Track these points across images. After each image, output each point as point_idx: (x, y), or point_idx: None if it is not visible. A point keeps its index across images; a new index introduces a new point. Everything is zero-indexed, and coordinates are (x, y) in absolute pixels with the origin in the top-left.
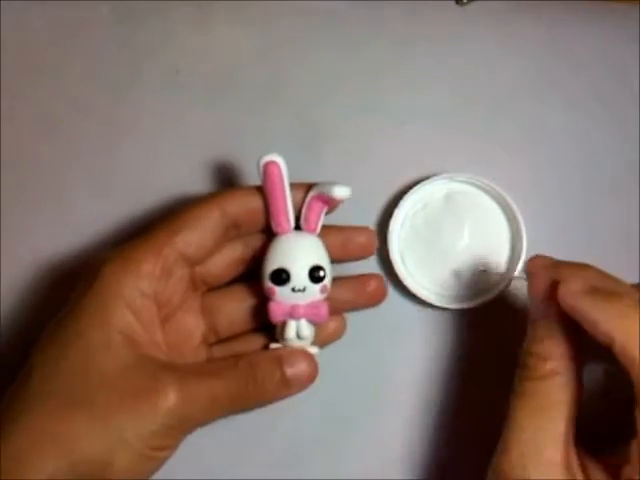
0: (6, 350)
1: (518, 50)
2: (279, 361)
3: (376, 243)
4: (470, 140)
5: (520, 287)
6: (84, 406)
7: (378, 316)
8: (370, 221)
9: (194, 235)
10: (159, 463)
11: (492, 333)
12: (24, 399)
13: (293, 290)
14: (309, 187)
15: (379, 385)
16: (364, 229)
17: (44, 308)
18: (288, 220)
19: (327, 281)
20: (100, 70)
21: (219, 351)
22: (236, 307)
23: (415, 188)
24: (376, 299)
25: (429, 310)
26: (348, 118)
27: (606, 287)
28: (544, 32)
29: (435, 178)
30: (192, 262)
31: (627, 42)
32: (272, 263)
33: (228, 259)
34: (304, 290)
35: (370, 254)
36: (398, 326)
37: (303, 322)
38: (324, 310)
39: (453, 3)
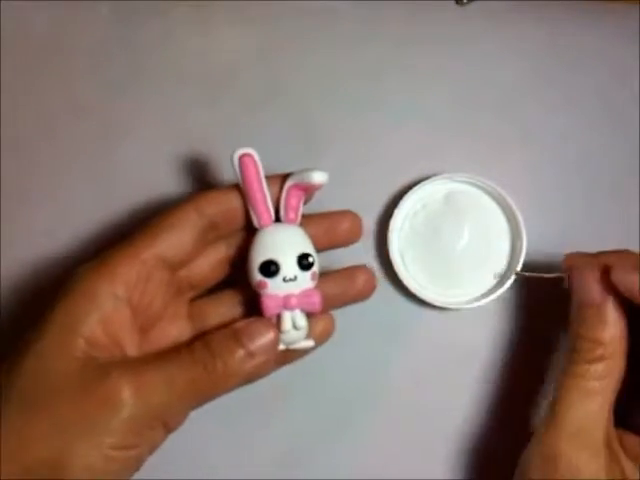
0: (7, 350)
1: (518, 50)
2: (237, 334)
3: (362, 227)
4: (470, 140)
5: (522, 285)
6: (36, 408)
7: (378, 316)
8: (370, 221)
9: (172, 238)
10: (130, 463)
11: (492, 333)
12: None
13: (284, 280)
14: (283, 178)
15: (379, 385)
16: (347, 213)
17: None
18: (269, 212)
19: (316, 267)
20: (100, 70)
21: None
22: (225, 310)
23: (415, 188)
24: (366, 293)
25: (429, 310)
26: (348, 118)
27: None
28: (544, 32)
29: (435, 178)
30: (172, 266)
31: (627, 42)
32: (259, 256)
33: (212, 261)
34: (295, 279)
35: (356, 239)
36: (398, 326)
37: (297, 312)
38: (317, 298)
39: (453, 3)
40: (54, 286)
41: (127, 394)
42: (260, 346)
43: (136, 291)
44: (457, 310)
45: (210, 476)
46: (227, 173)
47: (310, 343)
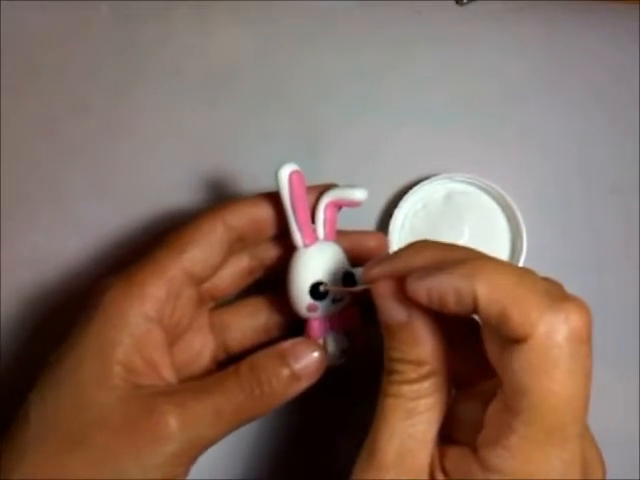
0: (6, 350)
1: (518, 50)
2: (283, 356)
3: (387, 247)
4: (470, 140)
5: None
6: (81, 446)
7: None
8: (370, 221)
9: (200, 253)
10: None
11: None
12: (22, 443)
13: (334, 301)
14: (320, 192)
15: (378, 384)
16: (374, 234)
17: (44, 308)
18: (313, 231)
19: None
20: (100, 70)
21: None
22: (246, 322)
23: (415, 188)
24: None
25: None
26: (348, 118)
27: (453, 256)
28: (544, 32)
29: (435, 178)
30: (199, 281)
31: (627, 42)
32: (308, 278)
33: (234, 272)
34: (342, 299)
35: None
36: None
37: (339, 336)
38: (356, 313)
39: (453, 3)
40: (67, 282)
41: (175, 428)
42: (306, 367)
43: (166, 310)
44: None
45: (207, 475)
46: (227, 173)
47: (341, 361)
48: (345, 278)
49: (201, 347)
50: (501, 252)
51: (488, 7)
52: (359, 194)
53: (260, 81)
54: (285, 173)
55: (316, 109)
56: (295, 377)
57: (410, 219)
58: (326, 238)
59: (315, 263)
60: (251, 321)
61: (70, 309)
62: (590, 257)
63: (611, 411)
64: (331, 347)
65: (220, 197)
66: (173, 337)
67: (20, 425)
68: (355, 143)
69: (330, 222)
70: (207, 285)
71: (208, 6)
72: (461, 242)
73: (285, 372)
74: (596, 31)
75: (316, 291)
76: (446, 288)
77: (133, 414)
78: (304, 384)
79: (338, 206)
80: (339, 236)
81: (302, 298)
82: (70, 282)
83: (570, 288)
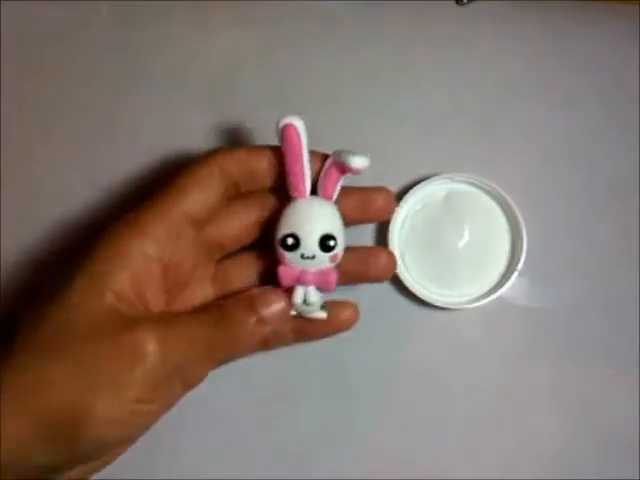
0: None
1: (518, 50)
2: (251, 301)
3: (394, 205)
4: (470, 140)
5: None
6: (63, 353)
7: (378, 315)
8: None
9: (198, 195)
10: (148, 418)
11: (492, 333)
12: (10, 348)
13: (302, 257)
14: (326, 156)
15: (379, 384)
16: (382, 190)
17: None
18: (304, 185)
19: (338, 250)
20: (100, 71)
21: None
22: (245, 273)
23: (415, 188)
24: (385, 274)
25: (429, 310)
26: (348, 119)
27: None
28: (544, 32)
29: (435, 178)
30: (198, 223)
31: (627, 42)
32: (284, 228)
33: (243, 222)
34: (313, 258)
35: (388, 216)
36: (398, 326)
37: (311, 289)
38: (332, 278)
39: (453, 3)
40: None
41: (151, 347)
42: (271, 314)
43: (167, 249)
44: (457, 310)
45: (210, 475)
46: None
47: (323, 315)
48: (322, 240)
49: (203, 298)
50: (501, 252)
51: (488, 7)
52: (355, 161)
53: (260, 82)
54: (280, 125)
55: (316, 109)
56: (261, 321)
57: (410, 219)
58: (322, 195)
59: (294, 215)
60: (251, 271)
61: None
62: (590, 257)
63: (611, 411)
64: (298, 298)
65: None
66: (175, 280)
67: (11, 340)
68: (355, 143)
69: (328, 181)
70: (215, 233)
71: (208, 7)
72: (461, 242)
73: (252, 316)
74: (596, 31)
75: (286, 242)
76: None
77: (114, 332)
78: (269, 328)
79: (341, 170)
80: (347, 193)
81: (276, 245)
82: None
83: (570, 288)
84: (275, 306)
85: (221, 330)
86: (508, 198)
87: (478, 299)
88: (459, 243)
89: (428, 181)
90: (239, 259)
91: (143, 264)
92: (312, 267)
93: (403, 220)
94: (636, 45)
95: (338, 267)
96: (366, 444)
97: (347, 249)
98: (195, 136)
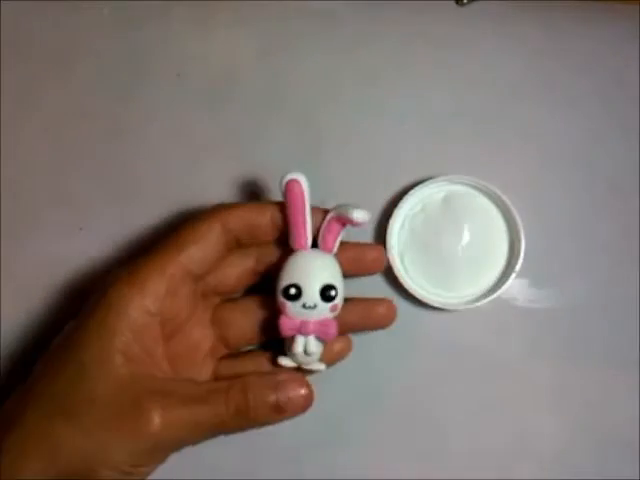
0: (10, 350)
1: (518, 50)
2: (276, 388)
3: (385, 259)
4: (469, 141)
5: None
6: (73, 416)
7: None
8: (370, 223)
9: (198, 251)
10: (141, 477)
11: (492, 333)
12: (20, 405)
13: (304, 307)
14: (326, 212)
15: (379, 385)
16: (374, 247)
17: (45, 309)
18: (306, 237)
19: (338, 300)
20: (100, 72)
21: (226, 368)
22: (247, 319)
23: (414, 190)
24: (385, 323)
25: (429, 311)
26: (348, 119)
27: None
28: (544, 32)
29: (434, 180)
30: (196, 278)
31: (627, 42)
32: (286, 278)
33: (240, 270)
34: (314, 307)
35: (380, 269)
36: (398, 327)
37: (311, 339)
38: (333, 328)
39: (453, 3)
40: (70, 286)
41: (156, 426)
42: (292, 402)
43: (164, 305)
44: (457, 310)
45: (209, 476)
46: (229, 175)
47: (321, 367)
48: (323, 290)
49: (200, 340)
50: (499, 254)
51: (488, 7)
52: (357, 214)
53: (261, 83)
54: (284, 181)
55: (316, 110)
56: (280, 409)
57: (409, 221)
58: (322, 248)
59: (296, 266)
60: (252, 317)
61: (73, 311)
62: (590, 257)
63: (611, 411)
64: (299, 347)
65: (221, 199)
66: (171, 329)
67: (25, 387)
68: (355, 144)
69: (328, 234)
70: (212, 280)
71: (209, 8)
72: (460, 243)
73: (272, 402)
74: (596, 31)
75: (288, 292)
76: None
77: (124, 401)
78: (287, 416)
79: (341, 222)
80: (344, 247)
81: (277, 295)
82: (74, 286)
83: (570, 288)
84: (298, 393)
85: (235, 414)
86: (506, 199)
87: (477, 300)
88: (458, 244)
89: (427, 183)
90: (239, 303)
91: (144, 320)
92: (313, 317)
93: (402, 221)
94: (636, 45)
95: (338, 318)
96: (365, 444)
97: (348, 300)
98: (196, 138)
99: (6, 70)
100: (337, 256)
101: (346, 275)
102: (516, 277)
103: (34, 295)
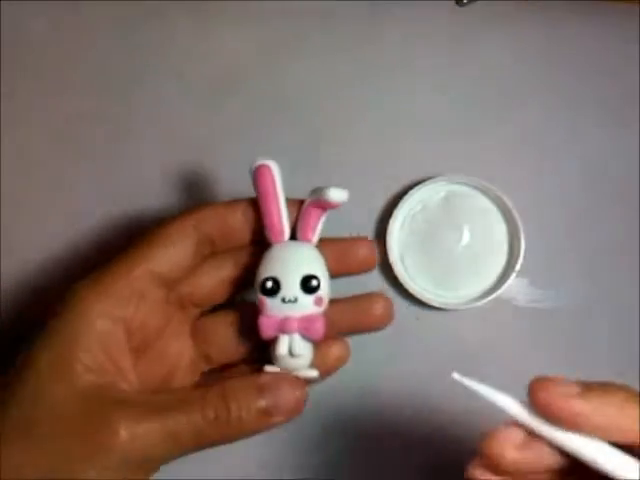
0: (7, 350)
1: (518, 50)
2: (261, 389)
3: (377, 256)
4: (469, 141)
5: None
6: (29, 436)
7: None
8: (369, 223)
9: (167, 254)
10: None
11: (492, 333)
12: None
13: (283, 301)
14: (302, 202)
15: (378, 385)
16: (363, 240)
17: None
18: (282, 228)
19: (323, 293)
20: (100, 73)
21: (210, 382)
22: (229, 330)
23: (414, 190)
24: (382, 322)
25: (429, 311)
26: (348, 119)
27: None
28: (544, 32)
29: (434, 180)
30: (168, 282)
31: (627, 42)
32: (262, 272)
33: (216, 278)
34: (295, 301)
35: (371, 267)
36: (398, 327)
37: (296, 337)
38: (319, 324)
39: (453, 3)
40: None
41: (123, 440)
42: (283, 405)
43: (129, 309)
44: (457, 310)
45: (208, 476)
46: (229, 175)
47: (313, 373)
48: (304, 281)
49: (177, 354)
50: (499, 254)
51: (488, 7)
52: (334, 195)
53: (261, 82)
54: (253, 167)
55: (315, 110)
56: (268, 412)
57: (409, 221)
58: (301, 238)
59: (272, 259)
60: (232, 330)
61: None
62: (590, 257)
63: None
64: (282, 348)
65: (221, 198)
66: (141, 340)
67: None
68: (355, 144)
69: (306, 223)
70: (187, 290)
71: (208, 9)
72: (460, 243)
73: (258, 405)
74: (596, 31)
75: (265, 287)
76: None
77: (87, 415)
78: (277, 421)
79: (321, 207)
80: (326, 243)
81: (256, 295)
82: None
83: (570, 288)
84: (290, 395)
85: (215, 421)
86: (506, 199)
87: (477, 300)
88: (458, 244)
89: (427, 183)
90: (219, 314)
91: (107, 326)
92: (296, 313)
93: (402, 221)
94: (636, 45)
95: (326, 314)
96: (366, 441)
97: (339, 299)
98: (196, 137)
99: (6, 70)
100: (320, 247)
101: (333, 275)
102: (516, 277)
103: (32, 292)
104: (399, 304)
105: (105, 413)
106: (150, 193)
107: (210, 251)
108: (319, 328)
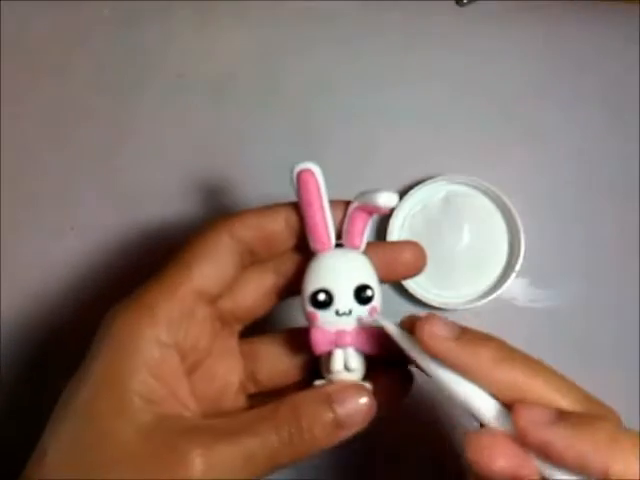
0: (7, 352)
1: (518, 50)
2: (328, 400)
3: (425, 259)
4: (469, 141)
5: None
6: None
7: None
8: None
9: (210, 267)
10: None
11: (492, 333)
12: (41, 476)
13: (337, 313)
14: (348, 203)
15: None
16: (411, 244)
17: (45, 311)
18: (328, 236)
19: (376, 302)
20: (101, 72)
21: (262, 402)
22: (279, 354)
23: (414, 190)
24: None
25: (428, 311)
26: (348, 119)
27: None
28: (544, 32)
29: (434, 180)
30: (212, 298)
31: (627, 42)
32: (311, 285)
33: (258, 290)
34: (350, 313)
35: (418, 273)
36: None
37: (351, 351)
38: (376, 336)
39: (453, 3)
40: (72, 287)
41: (199, 471)
42: (352, 415)
43: (180, 333)
44: (457, 310)
45: None
46: (230, 176)
47: (368, 386)
48: (358, 291)
49: (226, 374)
50: (499, 254)
51: (488, 7)
52: (383, 199)
53: (261, 83)
54: (295, 172)
55: (316, 110)
56: (339, 425)
57: (409, 220)
58: (348, 245)
59: (322, 269)
60: (285, 352)
61: (69, 311)
62: (590, 257)
63: None
64: (337, 364)
65: (222, 199)
66: (192, 362)
67: (36, 461)
68: (355, 144)
69: (354, 228)
70: (228, 305)
71: (209, 9)
72: (460, 243)
73: (329, 419)
74: (596, 31)
75: (316, 299)
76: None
77: (154, 450)
78: (348, 432)
79: (367, 212)
80: (372, 249)
81: (304, 306)
82: (72, 286)
83: (570, 288)
84: (358, 404)
85: (289, 441)
86: (506, 199)
87: (477, 300)
88: (458, 244)
89: (427, 183)
90: (270, 335)
91: (160, 353)
92: (350, 325)
93: (402, 221)
94: (636, 45)
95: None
96: (366, 441)
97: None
98: (197, 138)
99: (6, 70)
100: (367, 253)
101: (382, 282)
102: (516, 277)
103: (33, 294)
104: (399, 304)
105: (174, 445)
106: (150, 193)
107: (250, 261)
108: (375, 342)
